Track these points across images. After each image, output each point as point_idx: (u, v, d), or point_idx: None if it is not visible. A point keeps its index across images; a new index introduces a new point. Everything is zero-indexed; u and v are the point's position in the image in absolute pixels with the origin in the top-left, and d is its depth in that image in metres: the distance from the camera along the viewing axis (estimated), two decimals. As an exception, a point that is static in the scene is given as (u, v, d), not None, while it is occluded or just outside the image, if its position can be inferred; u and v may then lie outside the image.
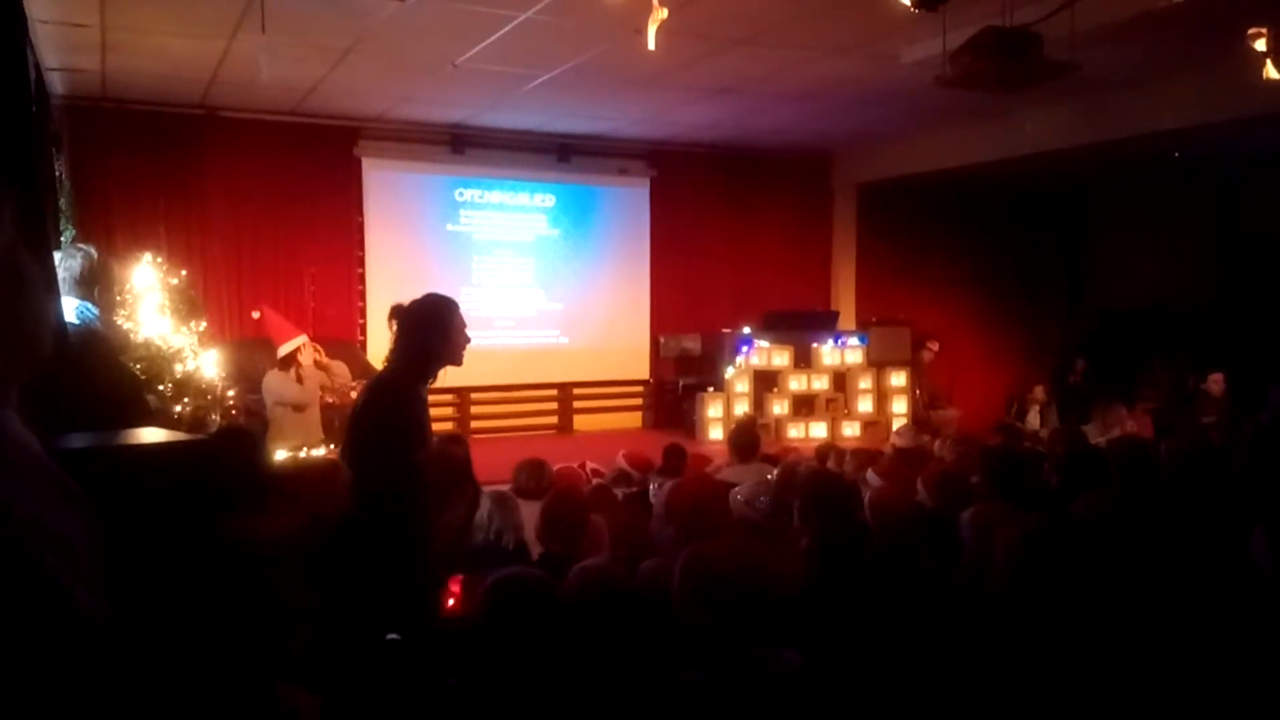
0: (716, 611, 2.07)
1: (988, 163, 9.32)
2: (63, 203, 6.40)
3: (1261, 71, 5.47)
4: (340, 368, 6.90)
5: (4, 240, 1.11)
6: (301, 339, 6.81)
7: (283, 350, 6.72)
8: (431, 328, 3.29)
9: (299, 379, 6.61)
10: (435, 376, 3.45)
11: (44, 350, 1.17)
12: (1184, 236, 10.67)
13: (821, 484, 3.46)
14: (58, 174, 6.41)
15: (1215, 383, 8.80)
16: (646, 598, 2.57)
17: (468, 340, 3.36)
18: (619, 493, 4.91)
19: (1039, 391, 10.06)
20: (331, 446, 6.28)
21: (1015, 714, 2.09)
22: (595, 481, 5.44)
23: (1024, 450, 5.79)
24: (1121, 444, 4.40)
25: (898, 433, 6.32)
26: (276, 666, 1.90)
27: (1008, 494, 3.69)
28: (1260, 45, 5.41)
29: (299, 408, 6.49)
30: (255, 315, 8.01)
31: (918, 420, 9.84)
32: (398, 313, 3.33)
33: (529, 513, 3.87)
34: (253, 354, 7.39)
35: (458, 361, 3.37)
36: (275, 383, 6.58)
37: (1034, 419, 9.69)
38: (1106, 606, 2.34)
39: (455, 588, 3.24)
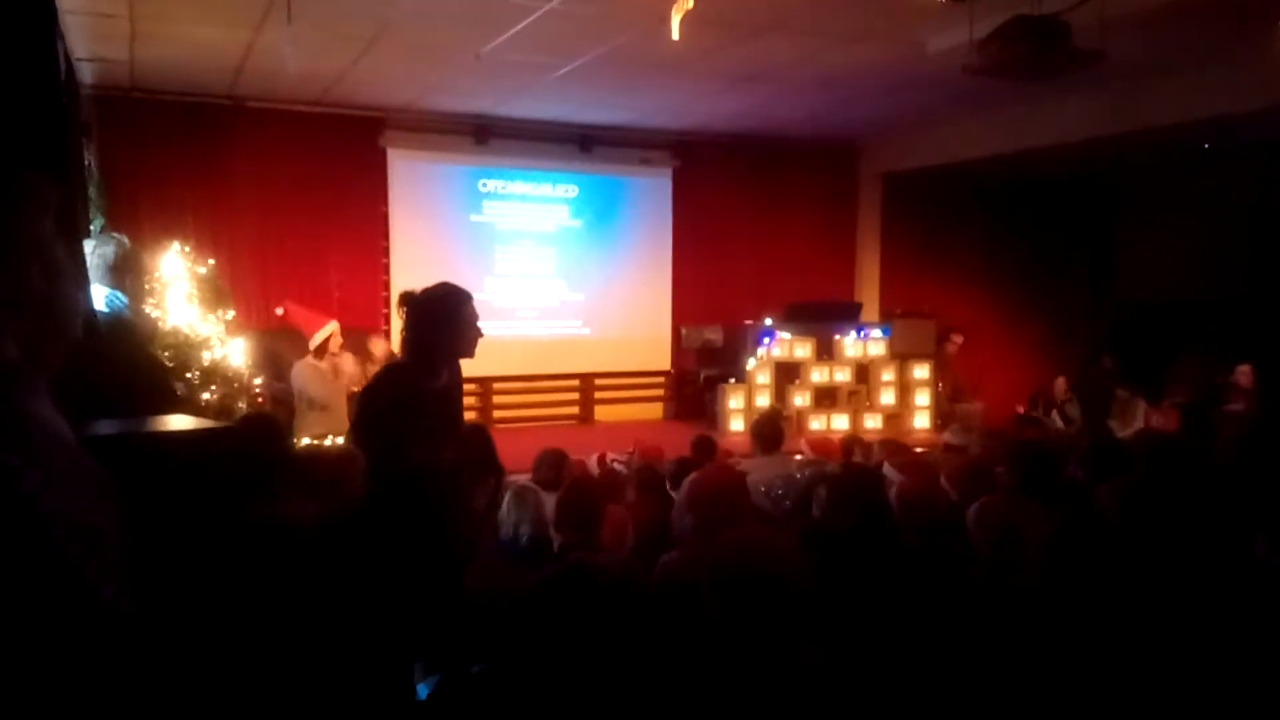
0: (741, 603, 2.06)
1: (1015, 153, 9.22)
2: (92, 192, 6.47)
3: (1295, 61, 5.39)
4: (379, 344, 7.09)
5: (46, 237, 1.14)
6: (332, 325, 6.88)
7: (315, 340, 6.79)
8: (440, 320, 3.23)
9: (335, 373, 6.66)
10: (457, 367, 3.43)
11: (72, 338, 1.18)
12: (1214, 228, 10.50)
13: (848, 478, 3.44)
14: (87, 163, 6.48)
15: (1243, 374, 8.69)
16: (664, 593, 2.57)
17: (479, 334, 3.30)
18: (619, 469, 4.92)
19: (1060, 385, 9.97)
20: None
21: (1037, 709, 2.08)
22: (613, 469, 5.46)
23: (1050, 443, 5.74)
24: (1145, 437, 4.35)
25: (950, 431, 6.27)
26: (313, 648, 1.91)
27: (1032, 487, 3.66)
28: (1294, 34, 5.32)
29: (322, 406, 6.54)
30: (279, 312, 8.09)
31: (941, 413, 9.78)
32: (406, 300, 3.29)
33: (551, 504, 3.88)
34: (279, 342, 7.46)
35: (469, 354, 3.33)
36: (303, 375, 6.64)
37: (1055, 414, 9.60)
38: (1129, 600, 2.32)
39: None
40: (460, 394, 3.60)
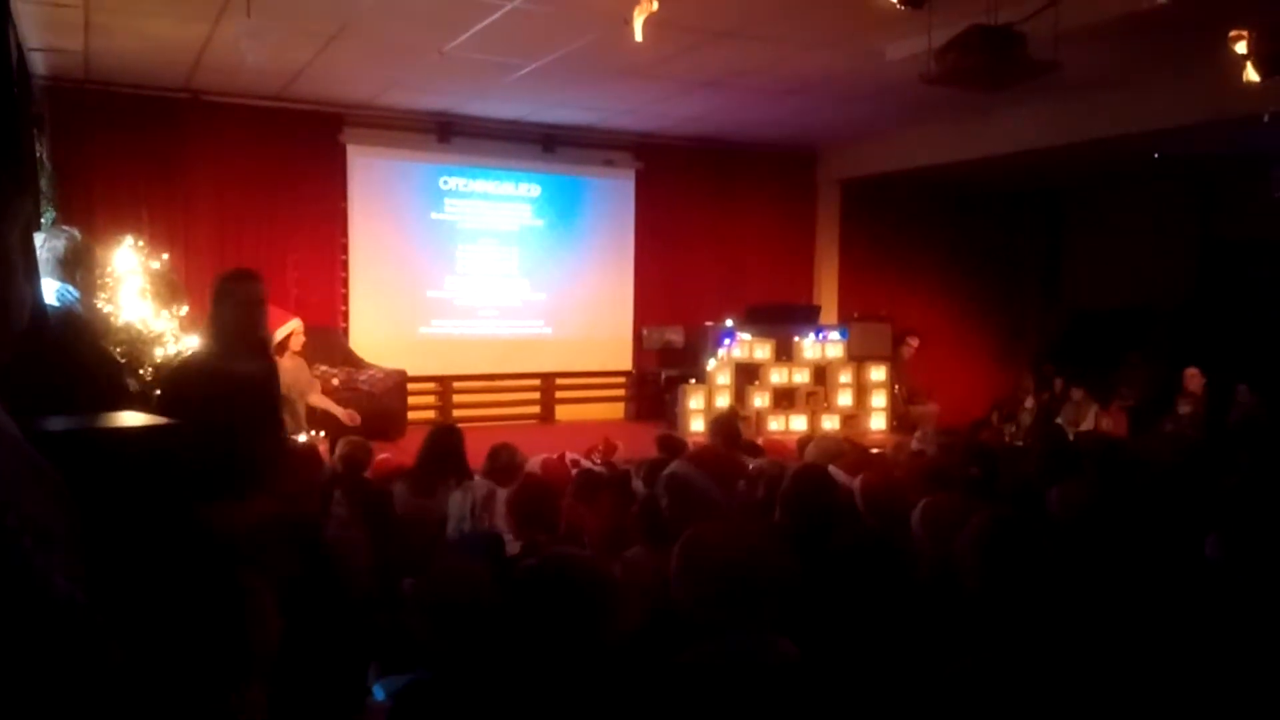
0: (714, 596, 2.06)
1: (970, 160, 9.38)
2: (44, 184, 6.35)
3: (1241, 74, 5.53)
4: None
5: (11, 251, 1.13)
6: (295, 323, 6.80)
7: (276, 337, 6.70)
8: (213, 302, 3.39)
9: (296, 370, 6.59)
10: (270, 359, 3.48)
11: (18, 331, 1.18)
12: (1161, 237, 10.76)
13: (804, 479, 3.48)
14: (39, 155, 6.36)
15: (1192, 378, 8.91)
16: (626, 586, 2.58)
17: (236, 320, 3.35)
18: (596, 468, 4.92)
19: (1030, 402, 10.16)
20: (315, 434, 6.28)
21: (1006, 704, 2.11)
22: (574, 471, 5.46)
23: (999, 446, 5.86)
24: (1092, 438, 4.46)
25: (916, 439, 6.36)
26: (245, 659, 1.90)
27: (979, 488, 3.74)
28: (1241, 48, 5.47)
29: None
30: None
31: (897, 414, 9.90)
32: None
33: (502, 498, 3.88)
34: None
35: (242, 336, 3.39)
36: None
37: (1014, 424, 9.78)
38: (1075, 599, 2.38)
39: None
40: (268, 386, 3.58)
